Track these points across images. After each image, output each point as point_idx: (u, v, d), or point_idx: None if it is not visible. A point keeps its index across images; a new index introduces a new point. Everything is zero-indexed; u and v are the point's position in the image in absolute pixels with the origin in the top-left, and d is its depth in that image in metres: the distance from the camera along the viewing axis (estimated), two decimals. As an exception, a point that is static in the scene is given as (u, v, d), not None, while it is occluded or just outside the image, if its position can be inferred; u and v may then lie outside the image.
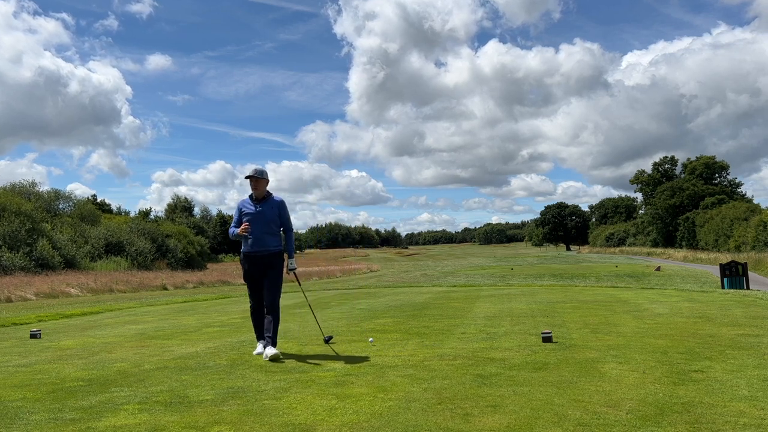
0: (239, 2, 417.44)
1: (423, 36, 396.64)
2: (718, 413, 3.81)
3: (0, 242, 36.46)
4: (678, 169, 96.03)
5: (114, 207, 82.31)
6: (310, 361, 5.99)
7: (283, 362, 5.92)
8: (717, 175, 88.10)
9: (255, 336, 6.78)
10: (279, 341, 6.88)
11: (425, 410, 4.02)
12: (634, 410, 3.91)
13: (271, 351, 6.07)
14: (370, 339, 7.13)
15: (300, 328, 8.64)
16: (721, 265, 20.49)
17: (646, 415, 3.80)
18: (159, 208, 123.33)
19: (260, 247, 6.38)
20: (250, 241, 6.37)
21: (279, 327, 6.75)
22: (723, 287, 19.01)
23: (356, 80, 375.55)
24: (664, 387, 4.51)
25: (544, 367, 5.32)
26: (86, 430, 3.78)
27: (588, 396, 4.30)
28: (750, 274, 24.77)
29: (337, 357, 6.15)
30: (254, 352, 6.43)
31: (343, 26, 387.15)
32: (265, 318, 6.42)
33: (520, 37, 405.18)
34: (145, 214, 79.26)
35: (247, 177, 6.43)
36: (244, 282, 6.71)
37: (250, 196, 6.52)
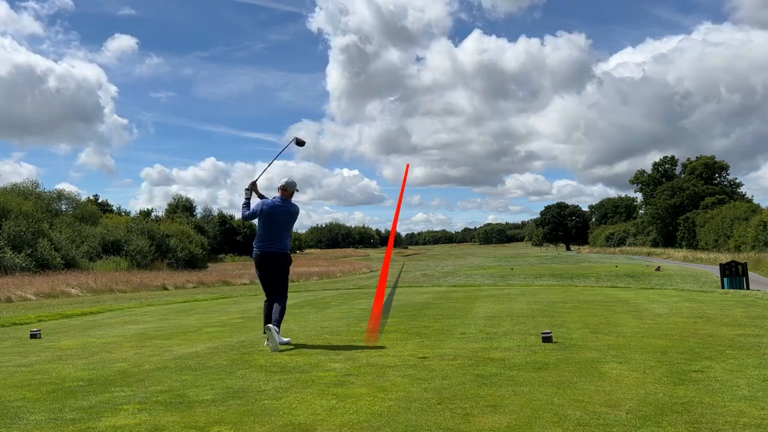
0: (227, 3, 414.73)
1: (402, 31, 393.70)
2: (718, 413, 3.81)
3: (3, 242, 36.49)
4: (678, 169, 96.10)
5: (114, 207, 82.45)
6: (310, 361, 5.99)
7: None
8: (717, 175, 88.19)
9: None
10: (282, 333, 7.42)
11: (425, 410, 4.03)
12: (634, 410, 3.91)
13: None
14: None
15: (300, 328, 8.64)
16: (721, 265, 20.49)
17: (646, 415, 3.80)
18: (156, 206, 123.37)
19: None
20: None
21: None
22: (723, 287, 19.01)
23: (335, 78, 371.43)
24: (664, 387, 4.52)
25: (544, 367, 5.32)
26: (86, 430, 3.79)
27: (588, 396, 4.30)
28: (750, 274, 24.72)
29: (337, 357, 6.15)
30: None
31: (319, 23, 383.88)
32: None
33: (504, 31, 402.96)
34: (145, 214, 79.38)
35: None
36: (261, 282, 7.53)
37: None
